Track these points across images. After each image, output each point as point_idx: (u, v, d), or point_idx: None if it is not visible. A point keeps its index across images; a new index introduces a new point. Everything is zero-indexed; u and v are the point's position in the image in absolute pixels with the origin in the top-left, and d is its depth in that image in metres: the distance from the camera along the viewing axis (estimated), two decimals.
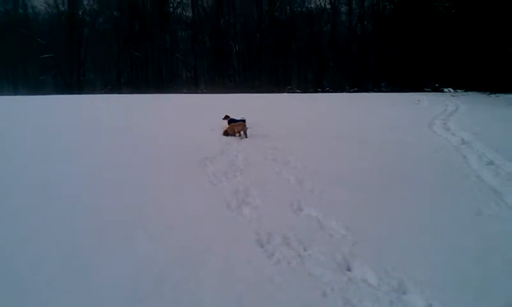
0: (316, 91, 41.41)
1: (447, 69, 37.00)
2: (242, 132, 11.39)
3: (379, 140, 10.92)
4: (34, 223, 5.06)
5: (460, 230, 4.80)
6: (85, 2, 54.80)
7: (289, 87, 44.39)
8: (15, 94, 37.60)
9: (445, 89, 31.99)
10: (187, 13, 54.27)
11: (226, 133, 11.72)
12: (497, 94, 26.49)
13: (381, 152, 9.44)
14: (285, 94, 36.37)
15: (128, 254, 4.19)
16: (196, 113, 18.85)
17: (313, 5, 51.05)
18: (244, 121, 12.00)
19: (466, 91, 30.71)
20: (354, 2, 49.34)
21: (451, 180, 6.92)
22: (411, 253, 4.19)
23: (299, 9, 51.46)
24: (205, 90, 46.17)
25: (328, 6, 50.49)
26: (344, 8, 50.94)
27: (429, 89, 33.81)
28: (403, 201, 5.81)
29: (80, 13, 54.68)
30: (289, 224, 4.90)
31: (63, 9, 54.57)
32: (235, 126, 11.60)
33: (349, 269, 3.92)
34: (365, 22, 50.01)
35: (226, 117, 12.45)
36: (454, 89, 31.54)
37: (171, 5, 54.17)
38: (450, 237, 4.60)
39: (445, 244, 4.43)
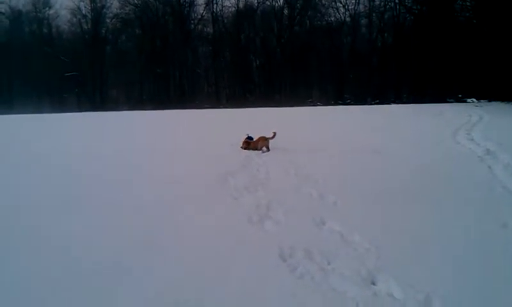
0: (337, 104, 41.31)
1: (469, 79, 36.56)
2: (264, 147, 11.42)
3: (401, 152, 10.82)
4: (53, 238, 5.13)
5: (486, 243, 4.70)
6: (108, 21, 55.98)
7: (310, 100, 44.37)
8: (39, 112, 38.29)
9: (468, 100, 31.57)
10: (208, 29, 54.89)
11: (246, 147, 11.80)
12: None
13: (404, 164, 9.34)
14: (306, 107, 36.31)
15: (146, 271, 4.17)
16: (216, 128, 18.96)
17: (333, 18, 51.13)
18: (251, 138, 12.06)
19: (489, 101, 30.27)
20: (374, 15, 49.28)
21: (476, 192, 6.80)
22: (437, 267, 4.11)
23: (319, 22, 51.55)
24: (226, 105, 46.45)
25: (348, 19, 50.52)
26: (364, 21, 50.96)
27: (451, 100, 33.42)
28: (427, 214, 5.72)
29: (103, 31, 55.78)
30: (312, 238, 4.86)
31: (86, 28, 55.78)
32: (256, 143, 11.63)
33: (373, 283, 3.86)
34: (385, 34, 49.84)
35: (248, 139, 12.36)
36: (477, 100, 31.10)
37: (192, 22, 54.83)
38: (475, 251, 4.51)
39: (471, 257, 4.35)
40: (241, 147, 11.85)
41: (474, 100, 31.23)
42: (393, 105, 34.29)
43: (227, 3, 53.33)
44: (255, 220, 5.53)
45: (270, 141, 11.52)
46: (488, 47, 32.91)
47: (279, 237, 4.91)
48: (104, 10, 55.16)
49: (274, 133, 11.62)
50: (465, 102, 31.42)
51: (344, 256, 4.36)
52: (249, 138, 12.17)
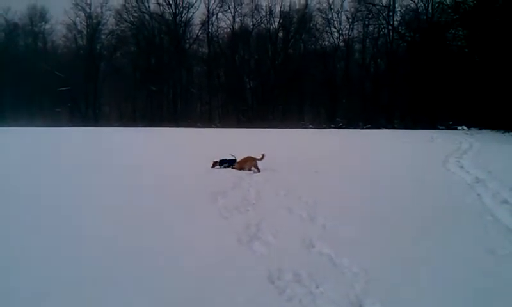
0: (329, 127, 41.54)
1: (460, 107, 37.03)
2: (253, 168, 11.42)
3: (392, 177, 10.87)
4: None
5: (473, 270, 4.70)
6: (103, 37, 56.22)
7: (302, 123, 44.61)
8: (31, 126, 38.25)
9: (459, 127, 31.91)
10: (203, 49, 55.33)
11: (233, 167, 11.80)
12: (511, 133, 26.38)
13: (394, 190, 9.37)
14: (298, 129, 36.45)
15: (135, 291, 4.12)
16: (208, 147, 18.95)
17: (327, 43, 51.75)
18: (235, 159, 12.01)
19: (480, 129, 30.61)
20: (367, 41, 49.91)
21: (465, 219, 6.82)
22: (425, 293, 4.11)
23: (312, 46, 52.12)
24: (218, 124, 46.56)
25: (342, 44, 51.09)
26: (357, 46, 51.56)
27: (442, 127, 33.78)
28: (416, 239, 5.72)
29: (98, 47, 55.99)
30: (301, 261, 4.84)
31: (81, 43, 56.04)
32: (243, 163, 11.63)
33: None
34: (378, 60, 50.43)
35: (215, 163, 12.07)
36: (467, 127, 31.44)
37: (187, 41, 55.21)
38: (463, 277, 4.51)
39: (458, 283, 4.34)
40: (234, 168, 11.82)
41: (465, 127, 31.56)
42: (384, 130, 34.55)
43: (223, 24, 54.03)
44: (244, 241, 5.51)
45: (258, 162, 11.52)
46: (479, 75, 33.37)
47: (268, 259, 4.89)
48: (100, 26, 55.60)
49: (263, 155, 11.63)
50: (456, 129, 31.74)
51: (332, 280, 4.34)
52: (223, 161, 12.08)
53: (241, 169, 11.51)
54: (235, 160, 12.00)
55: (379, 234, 5.92)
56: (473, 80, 34.32)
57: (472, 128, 31.01)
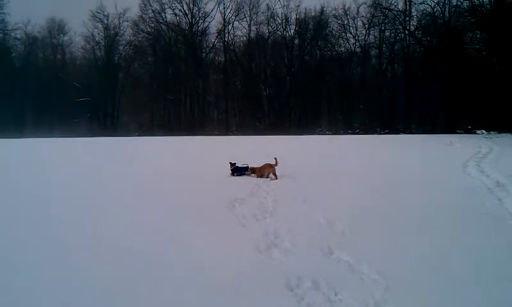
0: (346, 133, 41.35)
1: (479, 111, 36.53)
2: (271, 174, 11.44)
3: (412, 182, 10.76)
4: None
5: (496, 277, 4.63)
6: (121, 48, 56.95)
7: (319, 129, 44.48)
8: (50, 137, 38.86)
9: (478, 131, 31.47)
10: (219, 58, 55.58)
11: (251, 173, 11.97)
12: None
13: (415, 194, 9.28)
14: (315, 136, 36.34)
15: (152, 299, 4.16)
16: (225, 155, 19.01)
17: (343, 49, 51.61)
18: (247, 167, 12.18)
19: (499, 132, 30.15)
20: (384, 46, 49.61)
21: (486, 224, 6.73)
22: (446, 300, 4.06)
23: (329, 53, 51.98)
24: (235, 132, 46.70)
25: (358, 50, 50.93)
26: (373, 51, 51.29)
27: (461, 131, 33.36)
28: (437, 245, 5.66)
29: (116, 58, 56.73)
30: (319, 268, 4.82)
31: (99, 54, 56.84)
32: (263, 170, 11.68)
33: None
34: (395, 65, 50.11)
35: (232, 164, 12.37)
36: (487, 131, 31.00)
37: (203, 50, 55.56)
38: (485, 284, 4.45)
39: (480, 290, 4.29)
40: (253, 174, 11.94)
41: (484, 131, 31.13)
42: (402, 135, 34.26)
43: (239, 33, 54.27)
44: (262, 249, 5.51)
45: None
46: (498, 78, 32.97)
47: (286, 266, 4.89)
48: (117, 37, 56.38)
49: (276, 159, 11.68)
50: (475, 133, 31.32)
51: (351, 287, 4.32)
52: (237, 168, 12.26)
53: (261, 176, 11.58)
54: (247, 168, 12.12)
55: (399, 239, 5.87)
56: (492, 83, 33.91)
57: (491, 132, 30.57)
